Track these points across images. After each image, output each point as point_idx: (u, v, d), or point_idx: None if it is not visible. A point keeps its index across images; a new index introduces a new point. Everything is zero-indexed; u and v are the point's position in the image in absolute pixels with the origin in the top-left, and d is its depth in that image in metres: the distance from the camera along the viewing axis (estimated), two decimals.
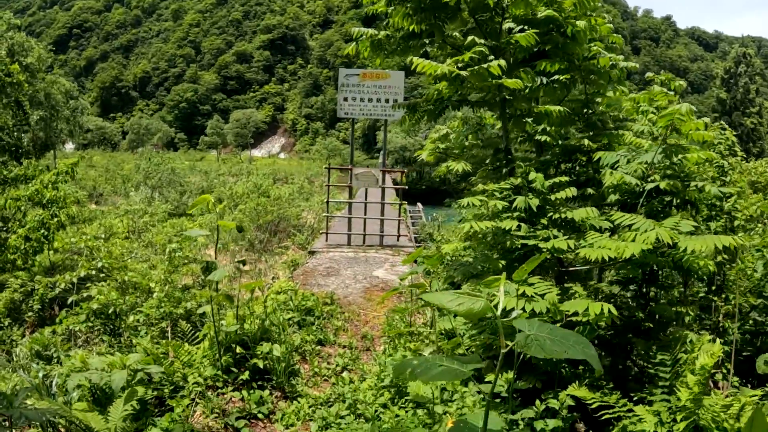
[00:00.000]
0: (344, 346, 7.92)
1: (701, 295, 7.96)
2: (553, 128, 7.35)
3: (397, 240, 16.56)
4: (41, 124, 40.17)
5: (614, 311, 5.20)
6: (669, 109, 6.06)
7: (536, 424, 5.20)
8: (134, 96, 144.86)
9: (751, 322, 7.60)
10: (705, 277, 8.20)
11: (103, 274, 10.56)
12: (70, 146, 68.82)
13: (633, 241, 5.45)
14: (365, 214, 16.35)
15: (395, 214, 17.60)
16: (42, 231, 12.08)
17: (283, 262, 16.24)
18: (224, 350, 6.31)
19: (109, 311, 8.83)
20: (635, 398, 5.63)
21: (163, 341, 6.85)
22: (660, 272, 6.94)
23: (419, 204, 35.36)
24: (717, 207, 7.80)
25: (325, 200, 16.12)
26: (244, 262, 6.33)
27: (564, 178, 6.56)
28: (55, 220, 12.43)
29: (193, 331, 7.98)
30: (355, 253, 14.69)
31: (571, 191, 6.32)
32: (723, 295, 7.71)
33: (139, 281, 10.23)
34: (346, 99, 15.25)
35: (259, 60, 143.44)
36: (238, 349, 6.35)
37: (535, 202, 6.12)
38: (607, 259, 5.38)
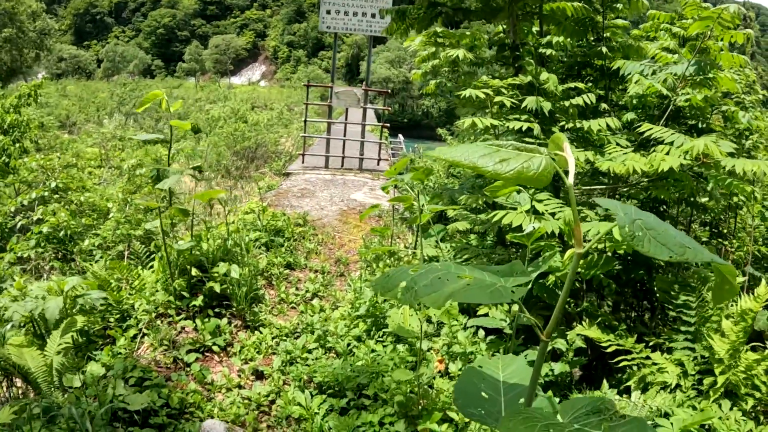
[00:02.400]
0: (316, 271, 7.19)
1: (704, 240, 7.37)
2: (561, 38, 6.49)
3: (378, 164, 15.69)
4: (7, 46, 38.20)
5: None
6: (710, 10, 5.14)
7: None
8: (109, 22, 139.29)
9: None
10: (712, 221, 7.58)
11: (58, 196, 9.65)
12: (42, 75, 66.22)
13: (667, 154, 4.69)
14: (345, 136, 15.44)
15: (376, 139, 16.73)
16: (3, 158, 11.25)
17: (260, 188, 15.45)
18: (179, 273, 5.55)
19: (60, 234, 8.02)
20: (651, 344, 4.88)
21: (111, 263, 6.05)
22: (664, 209, 6.34)
23: (400, 136, 34.59)
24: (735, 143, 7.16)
25: (303, 119, 15.13)
26: (200, 169, 5.45)
27: (581, 85, 5.74)
28: (17, 145, 11.61)
29: (149, 254, 7.21)
30: (333, 175, 13.88)
31: (590, 97, 5.47)
32: (733, 241, 7.16)
33: (97, 202, 9.38)
34: (329, 12, 14.09)
35: None
36: (194, 272, 5.57)
37: (547, 105, 5.32)
38: (639, 172, 4.61)
